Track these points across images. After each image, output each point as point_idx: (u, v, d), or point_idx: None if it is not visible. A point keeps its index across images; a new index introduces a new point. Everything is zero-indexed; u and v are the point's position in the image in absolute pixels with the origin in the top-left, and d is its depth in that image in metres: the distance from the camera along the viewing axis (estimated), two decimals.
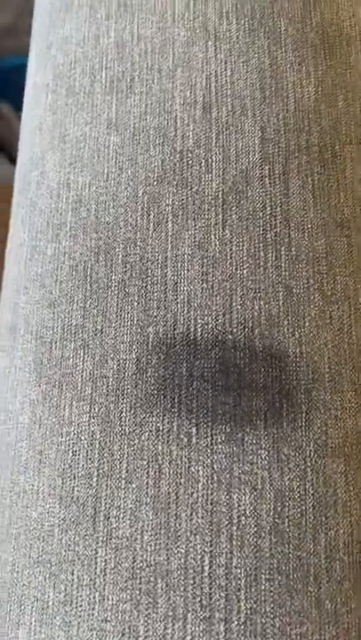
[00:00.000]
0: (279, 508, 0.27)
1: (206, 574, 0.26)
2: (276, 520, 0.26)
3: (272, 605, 0.26)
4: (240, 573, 0.26)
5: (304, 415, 0.28)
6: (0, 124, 0.74)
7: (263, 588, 0.26)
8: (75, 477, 0.29)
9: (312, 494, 0.27)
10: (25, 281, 0.35)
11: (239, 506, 0.27)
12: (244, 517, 0.27)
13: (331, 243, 0.30)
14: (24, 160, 0.38)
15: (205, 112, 0.32)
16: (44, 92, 0.38)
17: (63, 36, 0.38)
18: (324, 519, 0.27)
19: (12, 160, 0.76)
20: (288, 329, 0.29)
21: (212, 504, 0.27)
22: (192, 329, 0.29)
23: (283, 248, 0.30)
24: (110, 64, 0.35)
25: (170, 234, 0.31)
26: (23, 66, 0.84)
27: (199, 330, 0.29)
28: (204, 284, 0.30)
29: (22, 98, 0.88)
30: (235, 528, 0.26)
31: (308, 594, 0.26)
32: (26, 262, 0.35)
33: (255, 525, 0.26)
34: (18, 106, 0.86)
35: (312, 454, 0.27)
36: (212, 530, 0.27)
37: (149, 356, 0.29)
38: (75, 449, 0.29)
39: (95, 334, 0.31)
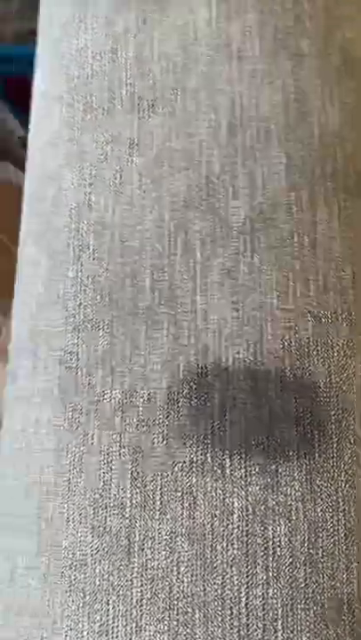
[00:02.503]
0: (313, 539, 0.27)
1: (243, 605, 0.27)
2: (311, 551, 0.27)
3: (308, 635, 0.26)
4: (276, 604, 0.27)
5: (335, 446, 0.28)
6: None
7: (299, 617, 0.26)
8: (107, 507, 0.29)
9: (344, 524, 0.28)
10: (44, 302, 0.34)
11: (274, 537, 0.27)
12: (279, 548, 0.27)
13: (357, 271, 0.31)
14: (35, 174, 0.38)
15: (231, 136, 0.32)
16: (58, 104, 0.37)
17: (78, 48, 0.37)
18: (356, 549, 0.27)
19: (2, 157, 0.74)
20: (317, 359, 0.29)
21: (247, 535, 0.27)
22: (223, 359, 0.29)
23: (311, 277, 0.30)
24: (130, 81, 0.35)
25: (198, 261, 0.31)
26: (9, 56, 0.82)
27: (230, 360, 0.29)
28: (234, 313, 0.30)
29: (9, 87, 0.85)
30: (270, 559, 0.27)
31: (343, 622, 0.27)
32: (44, 283, 0.34)
33: (290, 556, 0.27)
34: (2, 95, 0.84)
35: (343, 485, 0.28)
36: (248, 561, 0.27)
37: (180, 386, 0.29)
38: (105, 478, 0.29)
39: (123, 362, 0.31)
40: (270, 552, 0.27)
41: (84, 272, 0.33)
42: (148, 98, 0.34)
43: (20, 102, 0.86)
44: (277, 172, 0.32)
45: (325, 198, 0.31)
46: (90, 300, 0.32)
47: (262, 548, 0.27)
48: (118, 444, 0.30)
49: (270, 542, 0.27)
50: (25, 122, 0.83)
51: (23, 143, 0.78)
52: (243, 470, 0.28)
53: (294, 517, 0.27)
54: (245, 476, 0.28)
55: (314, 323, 0.30)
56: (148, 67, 0.34)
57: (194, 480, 0.28)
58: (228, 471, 0.28)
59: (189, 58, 0.34)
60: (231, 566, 0.27)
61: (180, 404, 0.29)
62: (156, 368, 0.30)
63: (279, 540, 0.27)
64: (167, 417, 0.29)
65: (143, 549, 0.28)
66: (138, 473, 0.29)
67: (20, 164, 0.78)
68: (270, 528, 0.27)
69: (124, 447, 0.29)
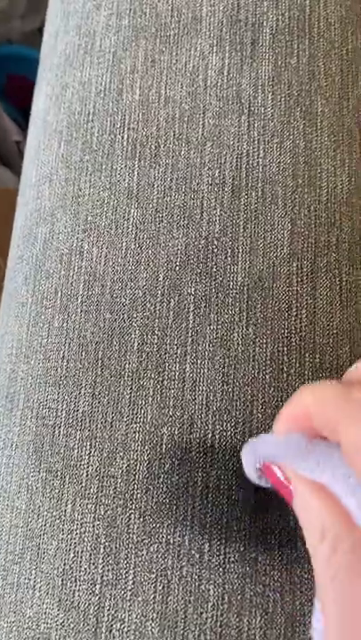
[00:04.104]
0: (289, 634, 0.26)
1: None
2: None
3: None
4: None
5: None
6: None
7: None
8: (76, 581, 0.28)
9: None
10: (26, 348, 0.33)
11: (249, 629, 0.26)
12: None
13: (355, 350, 0.29)
14: (29, 209, 0.36)
15: (234, 196, 0.31)
16: (57, 139, 0.35)
17: (81, 81, 0.35)
18: None
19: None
20: None
21: (221, 626, 0.26)
22: (209, 434, 0.28)
23: (307, 354, 0.29)
24: (134, 125, 0.33)
25: (190, 326, 0.29)
26: (13, 55, 0.79)
27: (217, 436, 0.28)
28: (225, 386, 0.29)
29: (9, 87, 0.83)
30: None
31: None
32: (29, 327, 0.33)
33: None
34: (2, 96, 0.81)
35: None
36: None
37: (162, 460, 0.28)
38: (77, 549, 0.28)
39: (104, 426, 0.29)
40: None
41: (70, 323, 0.31)
42: (151, 146, 0.32)
43: (19, 102, 0.84)
44: (280, 239, 0.30)
45: (328, 270, 0.30)
46: (74, 355, 0.31)
47: None
48: (93, 515, 0.28)
49: (245, 634, 0.26)
50: (21, 125, 0.80)
51: (19, 149, 0.76)
52: (221, 557, 0.27)
53: (271, 610, 0.26)
54: (223, 562, 0.27)
55: None
56: (154, 112, 0.33)
57: (169, 562, 0.27)
58: (206, 556, 0.27)
59: (197, 107, 0.32)
60: None
61: (160, 480, 0.28)
62: (137, 437, 0.29)
63: (254, 634, 0.26)
64: (146, 492, 0.28)
65: (111, 631, 0.27)
66: (111, 549, 0.28)
67: (16, 169, 0.76)
68: (245, 620, 0.26)
69: (98, 519, 0.28)
